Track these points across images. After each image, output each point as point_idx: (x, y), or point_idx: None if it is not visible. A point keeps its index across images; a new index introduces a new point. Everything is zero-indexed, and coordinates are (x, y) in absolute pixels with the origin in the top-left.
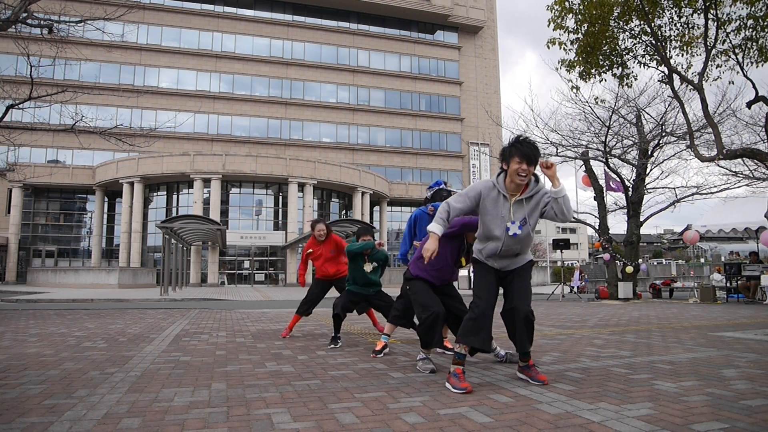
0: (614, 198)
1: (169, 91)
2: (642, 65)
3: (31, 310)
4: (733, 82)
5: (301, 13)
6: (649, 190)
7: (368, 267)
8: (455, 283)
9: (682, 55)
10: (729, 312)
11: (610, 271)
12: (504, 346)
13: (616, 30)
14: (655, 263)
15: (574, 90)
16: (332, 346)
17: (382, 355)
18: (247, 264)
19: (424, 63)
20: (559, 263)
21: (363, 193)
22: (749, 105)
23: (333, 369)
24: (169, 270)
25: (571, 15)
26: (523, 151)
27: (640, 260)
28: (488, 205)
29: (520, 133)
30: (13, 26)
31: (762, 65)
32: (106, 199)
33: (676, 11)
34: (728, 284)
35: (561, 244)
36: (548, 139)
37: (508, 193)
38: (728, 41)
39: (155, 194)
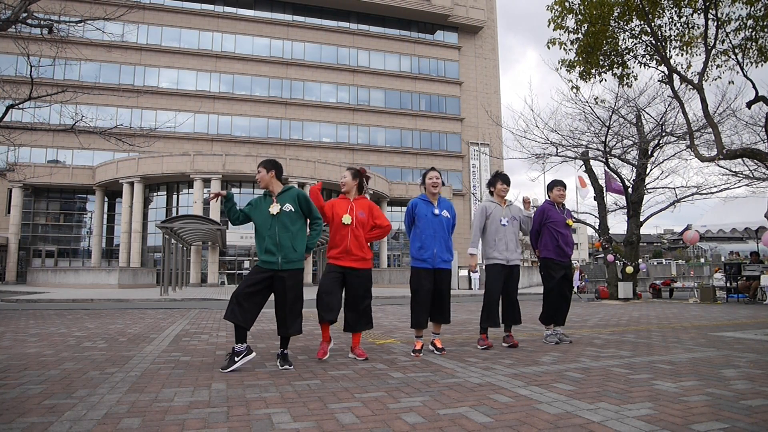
0: (614, 198)
1: (169, 91)
2: (642, 65)
3: (31, 310)
4: (733, 82)
5: (301, 13)
6: (649, 190)
7: (274, 208)
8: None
9: (682, 55)
10: (729, 312)
11: (610, 271)
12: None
13: (616, 30)
14: (655, 263)
15: (574, 90)
16: (228, 368)
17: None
18: (247, 264)
19: (424, 63)
20: None
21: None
22: (749, 105)
23: (333, 369)
24: (169, 270)
25: (571, 15)
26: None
27: (640, 260)
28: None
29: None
30: (13, 26)
31: (762, 65)
32: (106, 199)
33: (676, 11)
34: (728, 284)
35: None
36: (548, 139)
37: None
38: (728, 41)
39: (155, 194)
